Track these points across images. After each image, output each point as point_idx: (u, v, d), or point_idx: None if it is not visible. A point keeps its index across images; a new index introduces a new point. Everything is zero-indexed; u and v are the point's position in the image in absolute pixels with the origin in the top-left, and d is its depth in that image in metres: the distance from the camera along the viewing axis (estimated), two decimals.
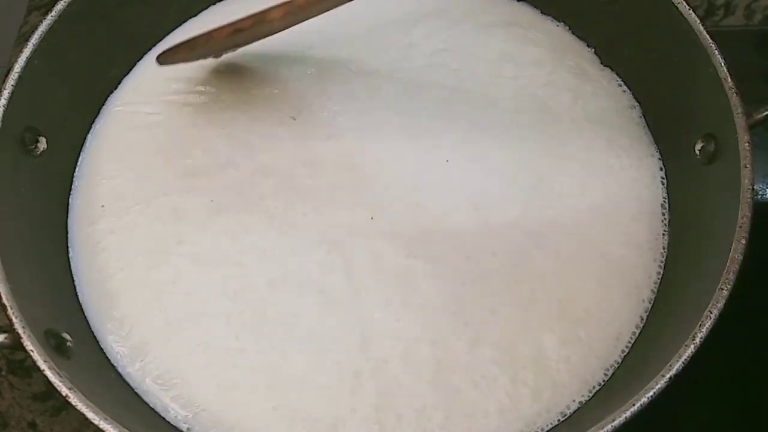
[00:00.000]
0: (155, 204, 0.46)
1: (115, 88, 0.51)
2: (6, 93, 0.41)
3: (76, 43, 0.46)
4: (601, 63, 0.51)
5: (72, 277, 0.45)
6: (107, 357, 0.42)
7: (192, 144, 0.48)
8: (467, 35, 0.51)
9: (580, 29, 0.52)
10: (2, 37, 0.64)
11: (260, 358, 0.41)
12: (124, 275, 0.44)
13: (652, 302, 0.43)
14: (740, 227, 0.37)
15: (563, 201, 0.46)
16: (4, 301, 0.36)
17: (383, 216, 0.45)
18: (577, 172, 0.47)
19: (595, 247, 0.44)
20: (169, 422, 0.40)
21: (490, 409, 0.40)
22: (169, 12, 0.52)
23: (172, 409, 0.41)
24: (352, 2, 0.42)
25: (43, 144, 0.44)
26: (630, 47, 0.49)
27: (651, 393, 0.34)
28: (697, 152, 0.44)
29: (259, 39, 0.47)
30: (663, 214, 0.46)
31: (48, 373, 0.35)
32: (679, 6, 0.43)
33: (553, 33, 0.52)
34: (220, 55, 0.49)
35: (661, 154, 0.48)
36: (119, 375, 0.42)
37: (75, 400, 0.34)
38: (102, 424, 0.34)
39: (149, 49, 0.52)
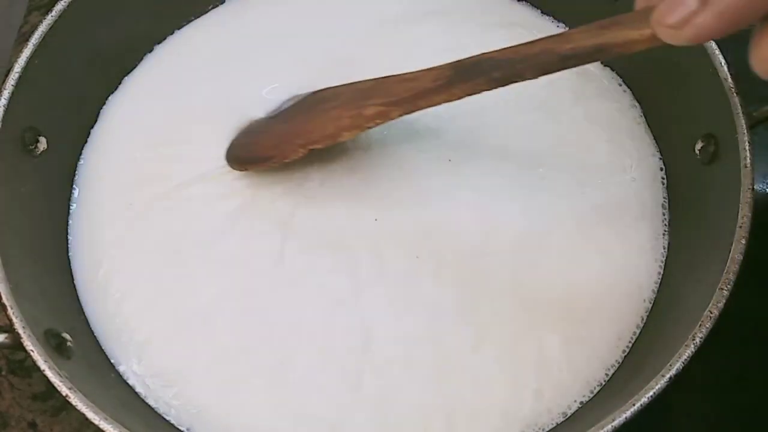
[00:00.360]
0: (156, 204, 0.46)
1: (115, 89, 0.51)
2: (6, 93, 0.41)
3: (76, 43, 0.46)
4: (602, 63, 0.51)
5: (72, 277, 0.45)
6: (107, 357, 0.42)
7: None
8: (469, 35, 0.51)
9: None
10: (2, 37, 0.64)
11: (263, 357, 0.41)
12: (124, 275, 0.44)
13: (652, 302, 0.43)
14: (740, 227, 0.37)
15: (564, 201, 0.46)
16: (4, 301, 0.37)
17: (387, 217, 0.45)
18: (578, 172, 0.47)
19: (596, 247, 0.44)
20: (169, 422, 0.40)
21: (492, 410, 0.40)
22: (169, 13, 0.52)
23: (173, 408, 0.41)
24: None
25: (43, 144, 0.44)
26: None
27: (651, 393, 0.34)
28: (698, 152, 0.44)
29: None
30: (663, 214, 0.46)
31: (48, 373, 0.35)
32: None
33: (555, 31, 0.52)
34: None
35: (661, 154, 0.48)
36: (119, 375, 0.42)
37: (75, 400, 0.34)
38: (102, 424, 0.34)
39: (150, 49, 0.52)
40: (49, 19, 0.44)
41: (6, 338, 0.36)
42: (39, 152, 0.44)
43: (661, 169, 0.47)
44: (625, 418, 0.34)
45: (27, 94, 0.42)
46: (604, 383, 0.41)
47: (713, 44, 0.42)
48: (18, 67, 0.42)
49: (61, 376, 0.35)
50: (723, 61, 0.41)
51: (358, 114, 0.40)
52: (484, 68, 0.35)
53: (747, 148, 0.39)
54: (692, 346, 0.35)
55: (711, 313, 0.36)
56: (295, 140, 0.43)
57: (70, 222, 0.46)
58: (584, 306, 0.43)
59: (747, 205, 0.38)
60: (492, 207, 0.45)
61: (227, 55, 0.52)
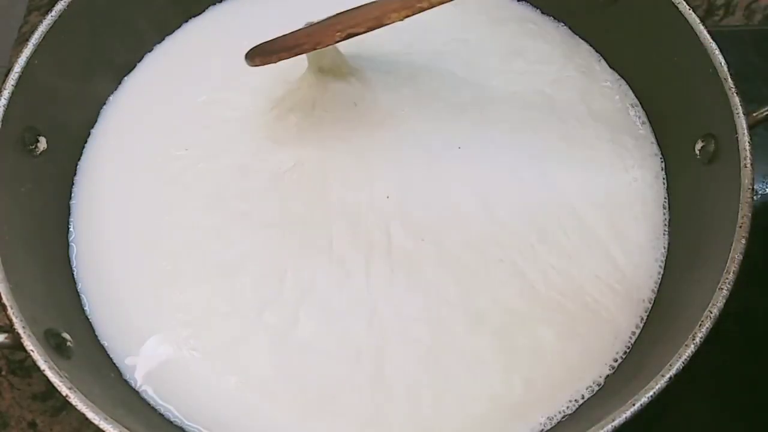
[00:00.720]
0: (156, 203, 0.46)
1: (116, 89, 0.51)
2: (6, 93, 0.41)
3: (76, 43, 0.46)
4: (607, 63, 0.51)
5: (72, 277, 0.45)
6: (107, 357, 0.42)
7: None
8: (481, 27, 0.51)
9: (581, 29, 0.52)
10: (2, 37, 0.64)
11: (271, 320, 0.42)
12: (124, 274, 0.44)
13: (652, 302, 0.43)
14: (740, 227, 0.37)
15: (566, 198, 0.46)
16: (4, 301, 0.36)
17: (398, 196, 0.45)
18: (580, 170, 0.47)
19: (596, 244, 0.44)
20: (169, 421, 0.40)
21: (482, 395, 0.40)
22: (169, 12, 0.52)
23: (173, 407, 0.41)
24: None
25: (43, 144, 0.44)
26: (630, 47, 0.49)
27: (651, 393, 0.34)
28: (698, 152, 0.44)
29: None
30: (664, 214, 0.46)
31: (48, 373, 0.35)
32: (679, 6, 0.43)
33: (563, 31, 0.53)
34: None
35: (662, 153, 0.48)
36: (119, 375, 0.42)
37: (75, 400, 0.34)
38: (102, 424, 0.34)
39: (150, 49, 0.52)
40: (49, 19, 0.44)
41: (6, 338, 0.36)
42: (39, 152, 0.44)
43: (662, 169, 0.47)
44: (625, 418, 0.34)
45: (27, 94, 0.42)
46: (603, 383, 0.41)
47: (713, 44, 0.42)
48: (18, 67, 0.42)
49: (61, 376, 0.35)
50: (723, 61, 0.41)
51: None
52: None
53: (747, 148, 0.39)
54: (692, 346, 0.35)
55: (711, 313, 0.36)
56: (332, 27, 0.40)
57: (70, 222, 0.46)
58: (583, 303, 0.43)
59: (747, 205, 0.38)
60: (495, 200, 0.46)
61: (227, 54, 0.51)
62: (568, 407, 0.40)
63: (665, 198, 0.46)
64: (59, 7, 0.45)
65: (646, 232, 0.45)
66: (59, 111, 0.46)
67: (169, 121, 0.49)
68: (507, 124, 0.48)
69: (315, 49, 0.41)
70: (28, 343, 0.36)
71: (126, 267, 0.45)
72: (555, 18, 0.53)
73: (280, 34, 0.44)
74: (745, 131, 0.39)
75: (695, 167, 0.44)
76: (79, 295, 0.44)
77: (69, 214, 0.47)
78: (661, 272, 0.44)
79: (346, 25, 0.39)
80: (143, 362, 0.42)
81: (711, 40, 0.42)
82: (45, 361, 0.35)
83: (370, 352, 0.41)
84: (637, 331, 0.42)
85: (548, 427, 0.40)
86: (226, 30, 0.53)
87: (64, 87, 0.46)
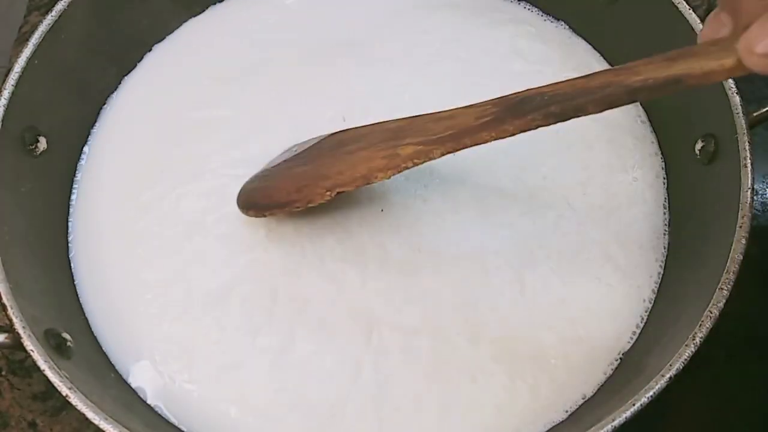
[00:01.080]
0: (156, 204, 0.46)
1: (116, 89, 0.51)
2: (6, 93, 0.41)
3: (76, 43, 0.46)
4: (607, 63, 0.51)
5: (72, 277, 0.45)
6: (107, 357, 0.42)
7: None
8: (479, 28, 0.52)
9: (580, 29, 0.52)
10: (2, 37, 0.64)
11: (264, 346, 0.42)
12: (124, 274, 0.44)
13: (652, 302, 0.43)
14: (740, 227, 0.37)
15: (565, 200, 0.46)
16: (5, 301, 0.37)
17: (391, 208, 0.45)
18: (579, 171, 0.47)
19: (596, 246, 0.44)
20: (169, 421, 0.40)
21: (487, 405, 0.40)
22: (169, 12, 0.52)
23: (173, 407, 0.41)
24: None
25: (43, 144, 0.44)
26: (630, 47, 0.49)
27: (651, 393, 0.34)
28: (698, 152, 0.44)
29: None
30: (664, 214, 0.46)
31: (48, 373, 0.35)
32: (679, 6, 0.43)
33: (561, 31, 0.53)
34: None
35: (662, 153, 0.48)
36: (119, 375, 0.42)
37: (75, 400, 0.34)
38: (102, 424, 0.34)
39: (149, 49, 0.52)
40: (49, 19, 0.44)
41: (6, 338, 0.36)
42: (39, 152, 0.44)
43: (663, 168, 0.47)
44: (625, 418, 0.34)
45: (27, 94, 0.42)
46: (603, 383, 0.41)
47: None
48: (18, 67, 0.42)
49: (61, 376, 0.35)
50: None
51: (394, 154, 0.38)
52: (537, 103, 0.34)
53: (747, 148, 0.39)
54: (692, 346, 0.35)
55: (711, 313, 0.36)
56: (320, 183, 0.41)
57: (70, 222, 0.46)
58: (583, 305, 0.43)
59: (747, 205, 0.38)
60: (493, 204, 0.45)
61: (227, 52, 0.52)
62: (570, 408, 0.40)
63: (665, 198, 0.46)
64: (59, 7, 0.45)
65: (646, 232, 0.45)
66: (59, 111, 0.46)
67: (169, 120, 0.49)
68: None
69: (307, 206, 0.41)
70: (28, 343, 0.36)
71: (125, 267, 0.45)
72: (555, 18, 0.53)
73: (267, 171, 0.44)
74: (745, 131, 0.39)
75: (695, 167, 0.44)
76: (78, 295, 0.44)
77: (69, 214, 0.47)
78: (661, 272, 0.44)
79: (335, 183, 0.40)
80: (143, 362, 0.42)
81: None
82: (45, 361, 0.35)
83: (370, 367, 0.41)
84: (638, 331, 0.42)
85: (545, 425, 0.40)
86: (227, 28, 0.53)
87: (64, 87, 0.46)
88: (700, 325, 0.35)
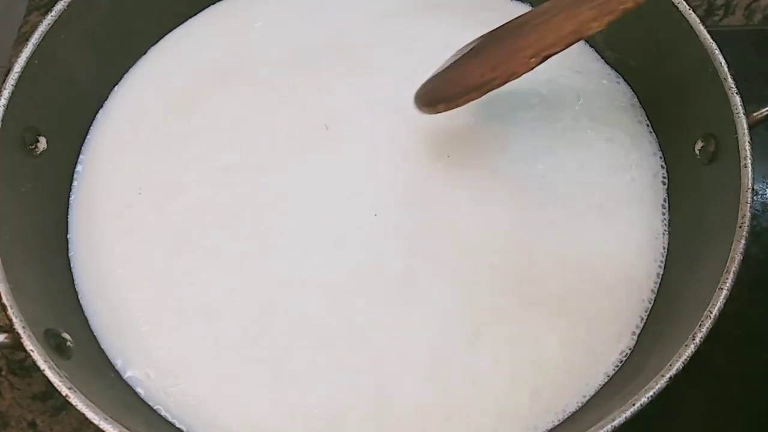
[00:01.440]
0: (155, 203, 0.46)
1: (116, 89, 0.51)
2: (6, 93, 0.41)
3: (76, 43, 0.46)
4: (605, 62, 0.51)
5: (72, 277, 0.45)
6: (107, 357, 0.42)
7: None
8: (468, 30, 0.51)
9: None
10: (2, 37, 0.64)
11: (263, 353, 0.41)
12: (124, 274, 0.44)
13: (652, 302, 0.43)
14: (740, 227, 0.37)
15: (564, 200, 0.46)
16: (4, 300, 0.36)
17: (386, 213, 0.45)
18: (577, 171, 0.47)
19: (595, 246, 0.44)
20: (169, 421, 0.40)
21: (489, 409, 0.40)
22: (168, 11, 0.52)
23: (172, 407, 0.41)
24: None
25: (43, 144, 0.44)
26: (630, 47, 0.49)
27: (651, 393, 0.34)
28: (698, 152, 0.44)
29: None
30: (663, 214, 0.46)
31: (48, 373, 0.35)
32: (679, 6, 0.43)
33: None
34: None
35: (662, 153, 0.48)
36: (119, 375, 0.42)
37: (75, 400, 0.34)
38: (102, 424, 0.34)
39: (149, 48, 0.52)
40: (49, 19, 0.44)
41: (6, 338, 0.36)
42: (39, 152, 0.44)
43: (662, 167, 0.47)
44: (625, 418, 0.34)
45: (27, 94, 0.42)
46: (603, 383, 0.41)
47: (713, 44, 0.42)
48: (18, 67, 0.42)
49: (61, 376, 0.35)
50: (723, 61, 0.41)
51: (602, 1, 0.35)
52: None
53: (747, 148, 0.39)
54: (692, 346, 0.35)
55: (711, 313, 0.36)
56: (519, 53, 0.37)
57: (70, 222, 0.46)
58: (583, 305, 0.43)
59: (747, 205, 0.38)
60: (491, 205, 0.45)
61: (227, 51, 0.52)
62: (571, 409, 0.40)
63: (665, 198, 0.46)
64: (59, 7, 0.45)
65: (646, 232, 0.45)
66: (59, 111, 0.46)
67: (169, 119, 0.49)
68: (501, 127, 0.48)
69: (508, 81, 0.38)
70: (28, 343, 0.36)
71: (126, 266, 0.45)
72: None
73: (442, 70, 0.42)
74: (746, 131, 0.39)
75: (695, 167, 0.44)
76: (78, 295, 0.44)
77: (68, 213, 0.47)
78: (661, 272, 0.44)
79: (538, 48, 0.36)
80: (143, 361, 0.42)
81: (711, 40, 0.42)
82: (45, 361, 0.35)
83: (371, 375, 0.41)
84: (638, 331, 0.42)
85: (548, 427, 0.40)
86: (226, 27, 0.53)
87: (64, 87, 0.46)
88: (700, 325, 0.35)
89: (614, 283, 0.43)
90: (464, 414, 0.40)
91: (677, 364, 0.35)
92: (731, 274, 0.36)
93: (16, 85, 0.42)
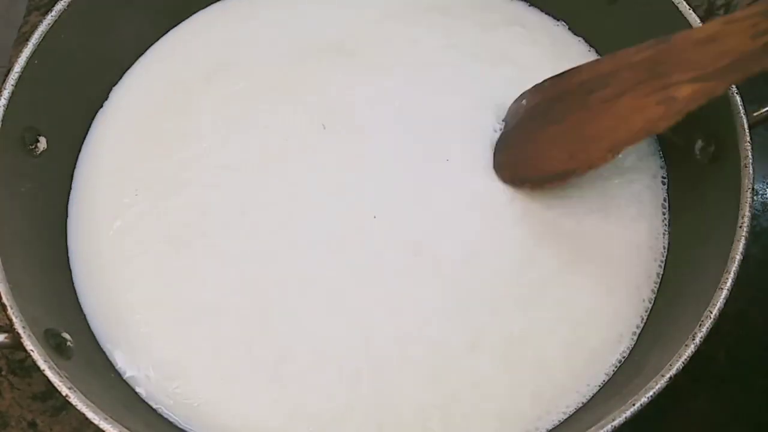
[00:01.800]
0: (155, 203, 0.46)
1: (116, 88, 0.51)
2: (6, 93, 0.41)
3: (76, 43, 0.46)
4: None
5: (72, 277, 0.45)
6: (107, 357, 0.42)
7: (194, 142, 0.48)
8: (468, 33, 0.51)
9: (580, 28, 0.52)
10: (2, 37, 0.64)
11: (262, 355, 0.41)
12: (124, 274, 0.44)
13: (652, 302, 0.43)
14: (740, 227, 0.37)
15: (563, 201, 0.46)
16: (4, 300, 0.36)
17: (386, 215, 0.45)
18: None
19: (595, 247, 0.44)
20: (168, 421, 0.40)
21: (490, 411, 0.40)
22: (169, 11, 0.52)
23: (172, 407, 0.41)
24: None
25: (43, 144, 0.44)
26: (630, 46, 0.49)
27: (651, 393, 0.34)
28: (698, 152, 0.44)
29: None
30: (663, 214, 0.46)
31: (48, 373, 0.35)
32: (679, 6, 0.43)
33: (553, 32, 0.52)
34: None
35: (661, 153, 0.48)
36: (119, 375, 0.42)
37: (75, 400, 0.34)
38: (102, 424, 0.34)
39: (149, 48, 0.52)
40: (49, 19, 0.44)
41: (6, 338, 0.36)
42: (39, 152, 0.44)
43: (662, 168, 0.47)
44: (625, 418, 0.34)
45: (27, 94, 0.42)
46: (603, 383, 0.41)
47: None
48: (18, 67, 0.42)
49: (61, 376, 0.35)
50: None
51: (669, 98, 0.35)
52: None
53: (747, 148, 0.39)
54: (692, 346, 0.35)
55: (711, 313, 0.36)
56: (595, 145, 0.39)
57: (70, 222, 0.46)
58: (583, 306, 0.43)
59: (747, 205, 0.38)
60: (491, 207, 0.45)
61: (227, 51, 0.52)
62: (571, 410, 0.40)
63: (665, 198, 0.46)
64: (59, 7, 0.45)
65: (646, 233, 0.45)
66: (59, 111, 0.46)
67: (169, 119, 0.49)
68: (500, 130, 0.48)
69: (587, 172, 0.40)
70: (28, 343, 0.36)
71: (126, 266, 0.45)
72: (554, 17, 0.53)
73: (517, 133, 0.44)
74: (746, 131, 0.39)
75: (695, 167, 0.44)
76: (78, 295, 0.44)
77: (68, 213, 0.47)
78: (661, 272, 0.44)
79: (614, 143, 0.38)
80: (142, 361, 0.42)
81: None
82: (45, 361, 0.35)
83: (371, 375, 0.41)
84: (638, 331, 0.42)
85: (548, 427, 0.40)
86: (226, 27, 0.53)
87: (64, 87, 0.46)
88: (700, 325, 0.35)
89: (614, 284, 0.43)
90: (465, 414, 0.40)
91: (677, 364, 0.35)
92: (731, 274, 0.36)
93: (16, 85, 0.42)
